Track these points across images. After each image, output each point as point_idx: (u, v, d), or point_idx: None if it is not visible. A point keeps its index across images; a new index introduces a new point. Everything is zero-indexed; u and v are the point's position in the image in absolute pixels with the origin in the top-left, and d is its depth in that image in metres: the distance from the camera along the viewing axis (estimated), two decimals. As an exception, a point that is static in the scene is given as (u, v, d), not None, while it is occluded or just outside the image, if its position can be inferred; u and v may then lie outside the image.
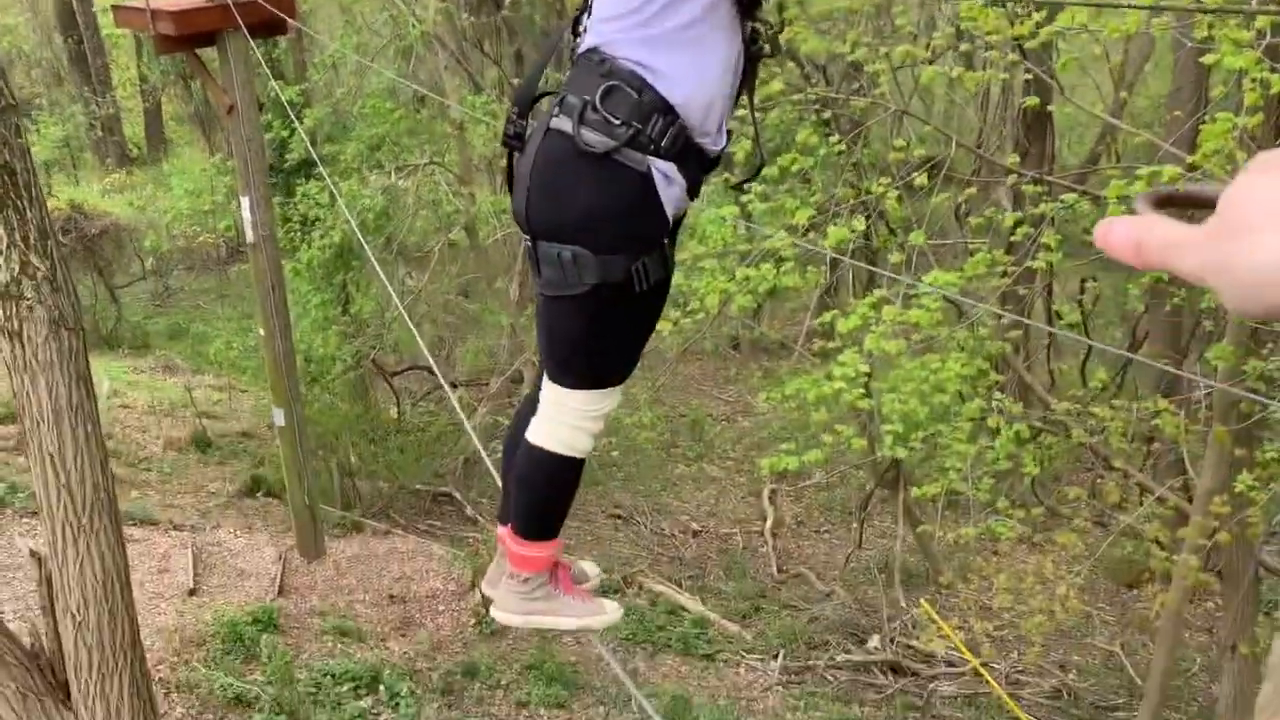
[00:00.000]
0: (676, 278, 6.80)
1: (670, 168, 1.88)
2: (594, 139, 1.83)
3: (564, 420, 2.13)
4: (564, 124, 1.86)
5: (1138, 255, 0.57)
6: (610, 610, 2.46)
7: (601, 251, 1.88)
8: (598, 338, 2.04)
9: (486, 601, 2.66)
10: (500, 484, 2.56)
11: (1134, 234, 0.57)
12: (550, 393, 2.14)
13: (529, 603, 2.37)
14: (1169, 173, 4.76)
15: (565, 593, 2.40)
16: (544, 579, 2.35)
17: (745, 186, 6.54)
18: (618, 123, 1.82)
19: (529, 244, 1.97)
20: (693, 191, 1.96)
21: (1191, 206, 0.58)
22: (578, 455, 2.17)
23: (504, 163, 2.14)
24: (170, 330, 17.22)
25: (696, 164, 1.92)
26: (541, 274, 1.95)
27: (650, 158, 1.85)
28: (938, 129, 7.52)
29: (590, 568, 2.74)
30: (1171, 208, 0.59)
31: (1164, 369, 9.42)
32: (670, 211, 1.93)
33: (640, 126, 1.82)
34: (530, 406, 2.31)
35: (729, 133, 1.99)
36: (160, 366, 14.90)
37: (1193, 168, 4.96)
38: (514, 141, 2.04)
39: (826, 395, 5.94)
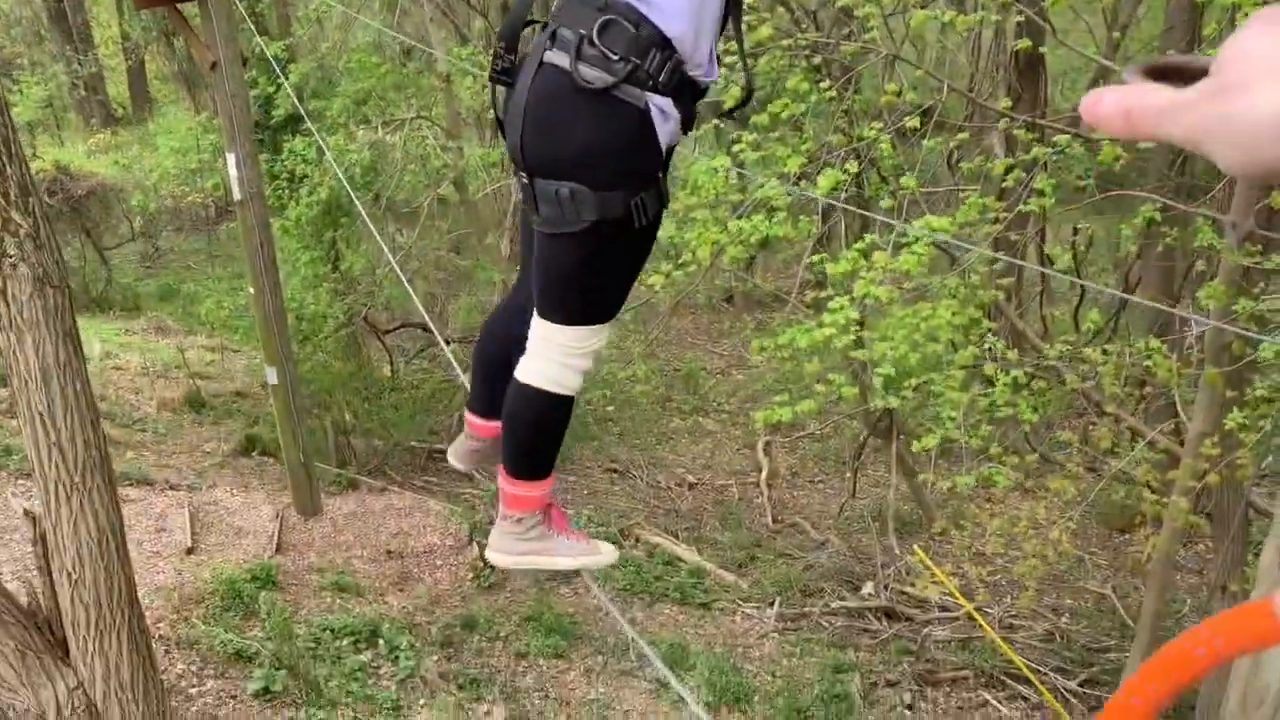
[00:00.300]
0: (668, 230, 6.77)
1: (667, 103, 1.87)
2: (592, 75, 1.81)
3: (553, 357, 2.15)
4: (560, 59, 1.84)
5: (1127, 124, 0.55)
6: (606, 551, 2.50)
7: (600, 188, 1.87)
8: (595, 274, 2.04)
9: (461, 473, 2.80)
10: (471, 377, 2.60)
11: (1124, 102, 0.55)
12: (540, 329, 2.15)
13: (523, 543, 2.38)
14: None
15: (559, 533, 2.42)
16: (537, 519, 2.37)
17: (739, 139, 6.51)
18: (616, 58, 1.79)
19: (525, 181, 1.96)
20: (686, 125, 1.95)
21: (1182, 78, 0.56)
22: (567, 393, 2.19)
23: (491, 105, 2.17)
24: (161, 291, 17.13)
25: (690, 97, 1.91)
26: (540, 212, 1.94)
27: (648, 94, 1.84)
28: (929, 74, 7.43)
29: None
30: (1162, 81, 0.57)
31: (1158, 311, 9.43)
32: (664, 145, 1.93)
33: (639, 62, 1.80)
34: (502, 312, 2.40)
35: (718, 59, 1.98)
36: (152, 328, 14.84)
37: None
38: (502, 77, 2.01)
39: (818, 342, 5.93)
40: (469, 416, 2.58)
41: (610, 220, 1.90)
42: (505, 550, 2.40)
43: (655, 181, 1.95)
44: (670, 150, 2.00)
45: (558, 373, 2.16)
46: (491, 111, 2.14)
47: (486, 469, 2.66)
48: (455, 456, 2.72)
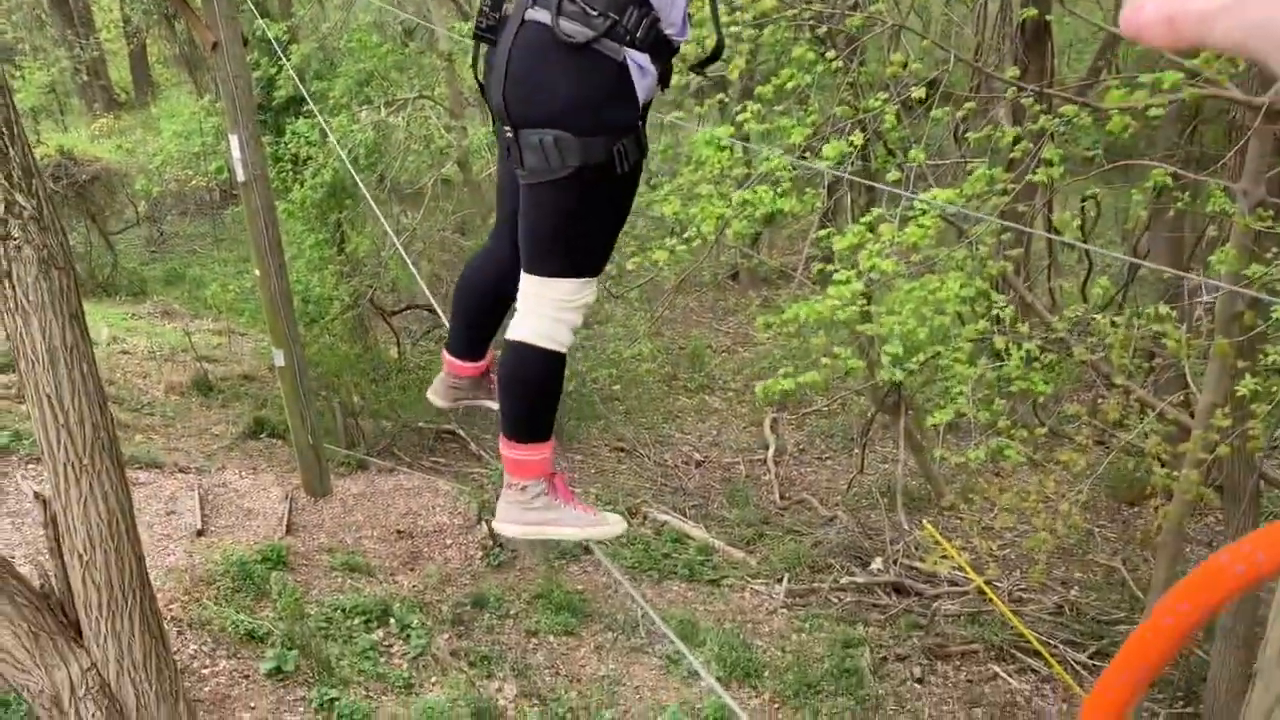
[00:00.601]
0: (673, 206, 6.73)
1: (644, 59, 1.95)
2: (573, 29, 1.88)
3: (544, 312, 2.18)
4: (541, 15, 1.92)
5: (1170, 31, 0.53)
6: (613, 522, 2.49)
7: (583, 134, 1.95)
8: (580, 221, 2.10)
9: (441, 409, 2.87)
10: (450, 321, 2.68)
11: (1166, 8, 0.53)
12: (530, 286, 2.19)
13: (530, 513, 2.37)
14: (1170, 78, 4.66)
15: (566, 502, 2.41)
16: (542, 487, 2.37)
17: (744, 109, 6.45)
18: (595, 14, 1.87)
19: (510, 135, 2.02)
20: (664, 81, 2.05)
21: None
22: (559, 349, 2.22)
23: (472, 65, 2.22)
24: (167, 276, 17.14)
25: (665, 54, 2.00)
26: (525, 163, 2.01)
27: (626, 49, 1.92)
28: (936, 43, 7.36)
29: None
30: None
31: (1166, 285, 9.38)
32: (642, 99, 2.00)
33: (616, 18, 1.88)
34: (480, 259, 2.50)
35: (689, 17, 2.08)
36: (158, 312, 14.86)
37: (1193, 74, 4.87)
38: (486, 35, 2.08)
39: (823, 316, 5.90)
40: (447, 358, 2.66)
41: (593, 166, 1.97)
42: (513, 520, 2.40)
43: (635, 130, 2.01)
44: (648, 105, 2.06)
45: (550, 328, 2.19)
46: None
47: (467, 414, 2.66)
48: (435, 394, 2.77)
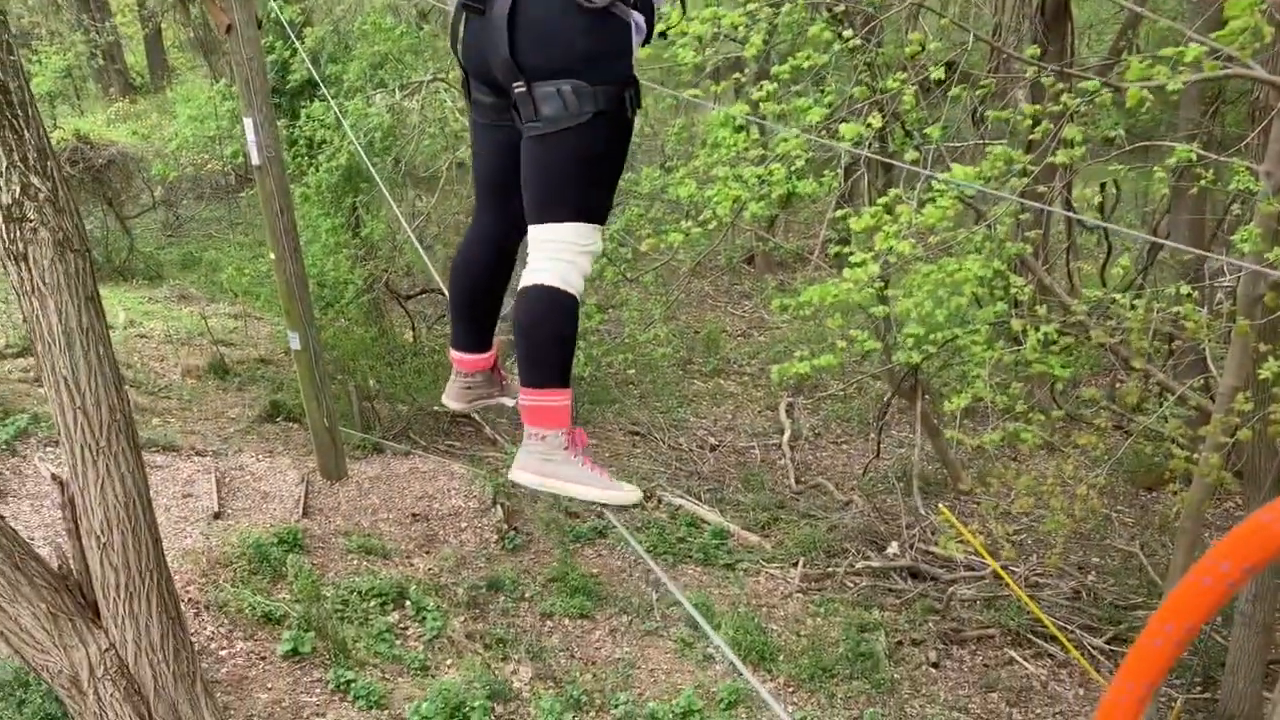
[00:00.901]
0: (689, 189, 6.69)
1: (641, 19, 2.20)
2: None
3: (558, 256, 2.28)
4: None
5: None
6: (629, 491, 2.48)
7: (597, 83, 2.15)
8: (594, 164, 2.26)
9: (449, 411, 3.00)
10: (450, 312, 2.76)
11: None
12: (541, 234, 2.30)
13: (548, 464, 2.39)
14: (1192, 52, 4.59)
15: (586, 464, 2.42)
16: (563, 440, 2.38)
17: (760, 88, 6.40)
18: None
19: (522, 89, 2.17)
20: (646, 38, 2.28)
21: None
22: (572, 291, 2.30)
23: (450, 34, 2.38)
24: (183, 260, 17.19)
25: (650, 15, 2.24)
26: (540, 114, 2.17)
27: (632, 11, 2.18)
28: (954, 23, 7.28)
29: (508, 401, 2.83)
30: None
31: (1186, 268, 9.29)
32: (634, 55, 2.26)
33: None
34: (469, 246, 2.58)
35: None
36: (175, 296, 14.91)
37: (1216, 52, 4.79)
38: (475, 5, 2.24)
39: (839, 297, 5.86)
40: (455, 355, 2.71)
41: (606, 112, 2.17)
42: (532, 470, 2.40)
43: (635, 81, 2.24)
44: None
45: (564, 271, 2.28)
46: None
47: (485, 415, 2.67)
48: (450, 398, 2.80)
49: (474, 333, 2.66)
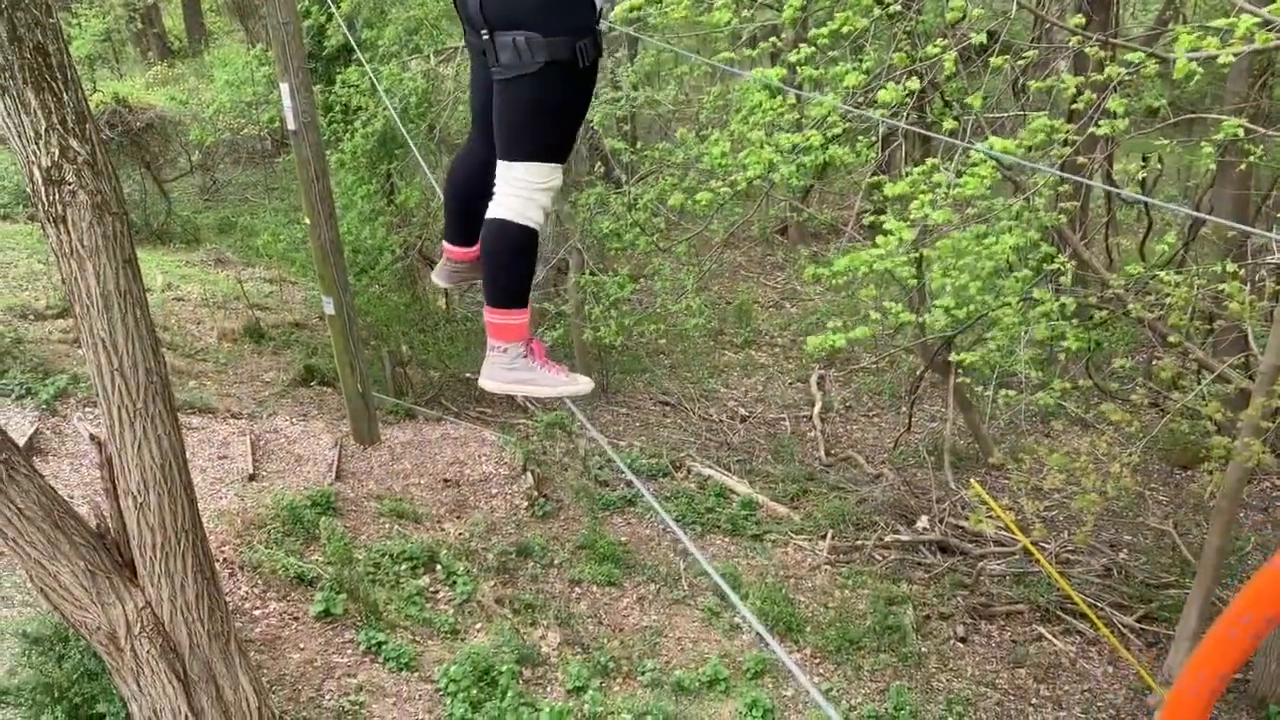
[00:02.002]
0: (722, 148, 6.64)
1: None
2: None
3: (519, 193, 2.54)
4: None
5: None
6: (583, 383, 2.87)
7: (550, 34, 2.34)
8: (548, 109, 2.46)
9: (438, 289, 3.34)
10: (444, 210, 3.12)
11: None
12: (505, 172, 2.56)
13: (509, 372, 2.77)
14: (1245, 23, 4.47)
15: (542, 366, 2.80)
16: (521, 350, 2.75)
17: (798, 50, 6.31)
18: None
19: (486, 37, 2.40)
20: None
21: None
22: (533, 225, 2.58)
23: None
24: (220, 224, 17.32)
25: None
26: (500, 60, 2.40)
27: None
28: (996, -10, 7.13)
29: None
30: None
31: (1229, 245, 9.11)
32: (599, 4, 2.43)
33: None
34: (462, 159, 2.89)
35: None
36: (211, 259, 15.04)
37: (1268, 23, 4.66)
38: None
39: (872, 264, 5.80)
40: (446, 246, 3.09)
41: (559, 62, 2.36)
42: (495, 378, 2.78)
43: (593, 32, 2.41)
44: (601, 9, 2.47)
45: (523, 206, 2.55)
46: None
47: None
48: (438, 276, 3.20)
49: (461, 231, 3.01)
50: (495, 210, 2.58)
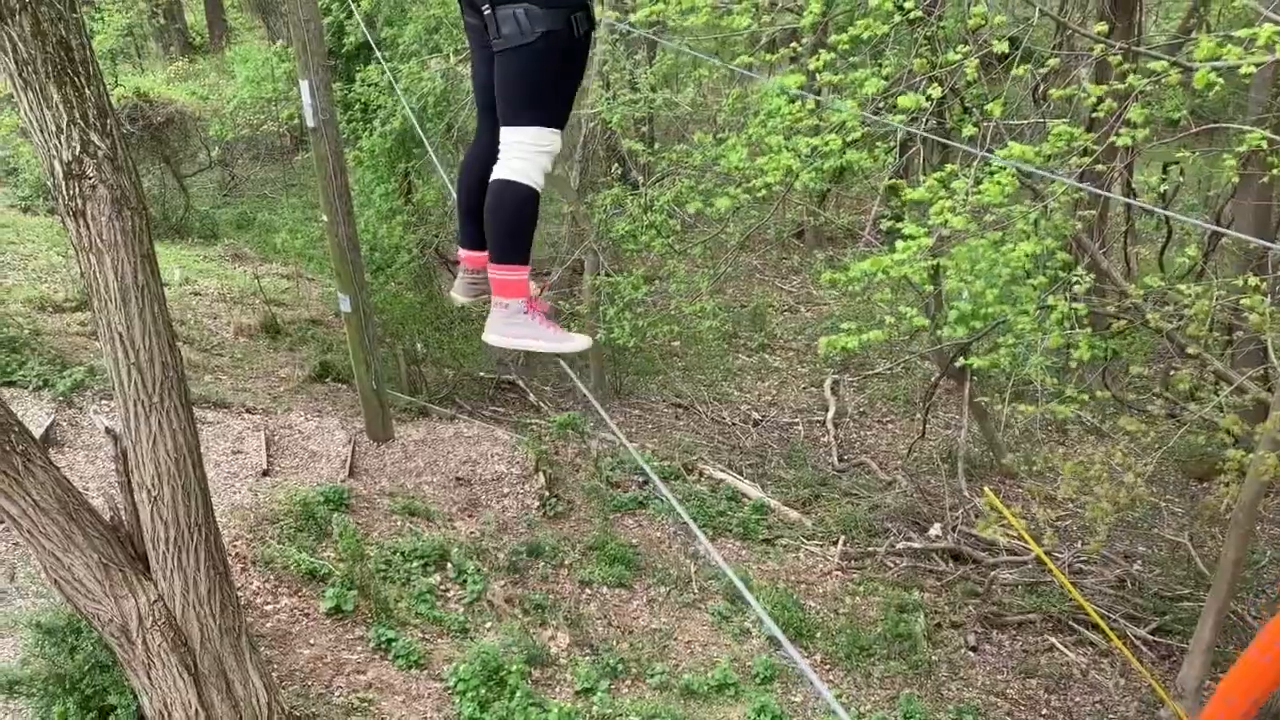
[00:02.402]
0: (739, 154, 6.63)
1: None
2: None
3: (521, 155, 2.74)
4: None
5: None
6: (579, 341, 3.03)
7: (547, 6, 2.56)
8: (546, 75, 2.66)
9: (453, 304, 3.68)
10: (458, 215, 3.24)
11: None
12: (508, 136, 2.75)
13: (512, 327, 2.93)
14: (1266, 33, 4.43)
15: (541, 324, 2.97)
16: (522, 306, 2.92)
17: (817, 56, 6.29)
18: None
19: (488, 12, 2.61)
20: None
21: None
22: (534, 186, 2.77)
23: None
24: (238, 219, 17.40)
25: None
26: (501, 33, 2.61)
27: None
28: (1018, -3, 7.10)
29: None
30: None
31: (1249, 256, 9.04)
32: None
33: None
34: (474, 166, 3.00)
35: None
36: (229, 255, 15.11)
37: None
38: None
39: (889, 269, 5.78)
40: (463, 254, 3.21)
41: (555, 32, 2.57)
42: (498, 332, 2.95)
43: (585, 5, 2.63)
44: None
45: (525, 168, 2.74)
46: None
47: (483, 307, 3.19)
48: (457, 292, 3.31)
49: (476, 233, 3.10)
50: (500, 172, 2.77)
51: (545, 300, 3.02)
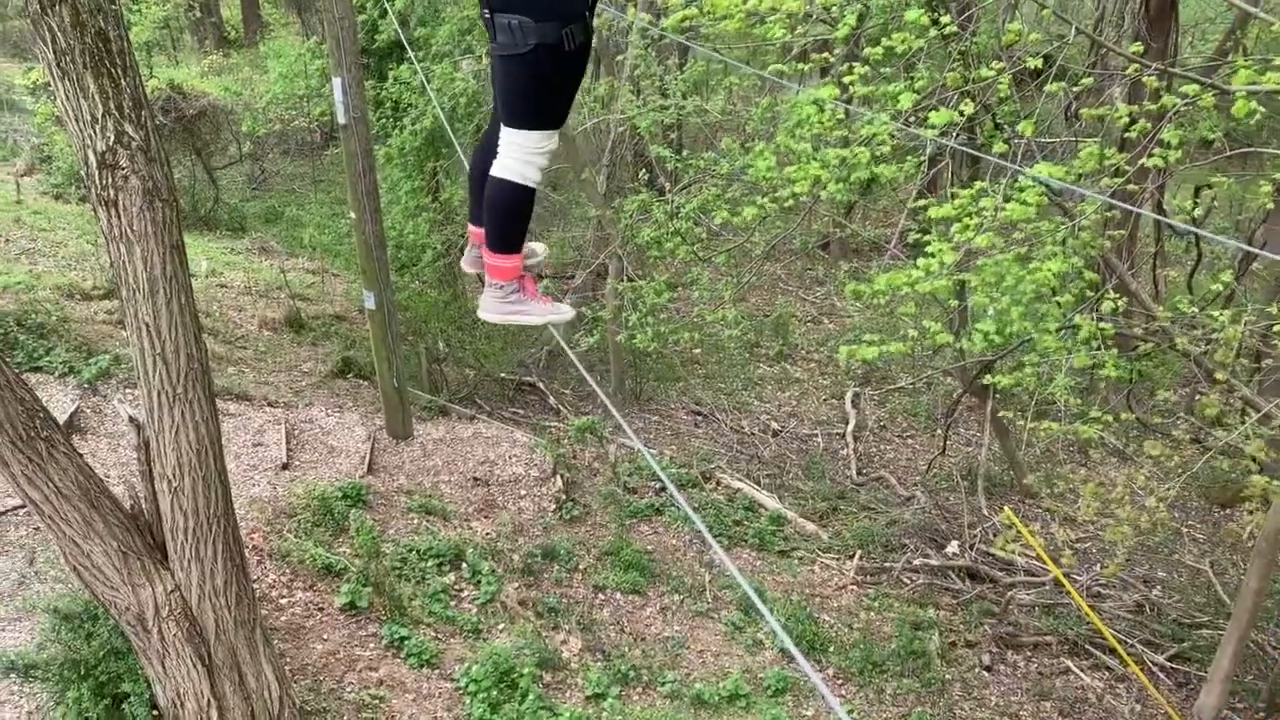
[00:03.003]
0: (768, 162, 6.64)
1: None
2: None
3: (518, 156, 2.87)
4: None
5: None
6: (565, 311, 3.31)
7: (539, 19, 2.61)
8: (540, 86, 2.76)
9: (464, 273, 3.86)
10: (469, 193, 3.44)
11: None
12: (506, 137, 2.88)
13: (504, 304, 3.18)
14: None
15: (531, 298, 3.21)
16: (515, 287, 3.16)
17: (849, 70, 6.27)
18: None
19: (488, 16, 2.69)
20: None
21: None
22: (528, 184, 2.92)
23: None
24: (266, 213, 17.52)
25: None
26: (497, 38, 2.69)
27: None
28: (1055, 14, 7.06)
29: (539, 246, 3.61)
30: None
31: (1280, 281, 8.94)
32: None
33: None
34: (487, 149, 3.11)
35: None
36: (256, 248, 15.21)
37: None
38: None
39: (914, 283, 5.74)
40: (472, 229, 3.41)
41: (547, 45, 2.63)
42: (492, 310, 3.21)
43: (582, 19, 2.68)
44: (594, 1, 2.76)
45: (521, 167, 2.88)
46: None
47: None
48: (466, 263, 3.57)
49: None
50: (497, 169, 2.92)
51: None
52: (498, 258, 3.09)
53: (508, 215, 3.00)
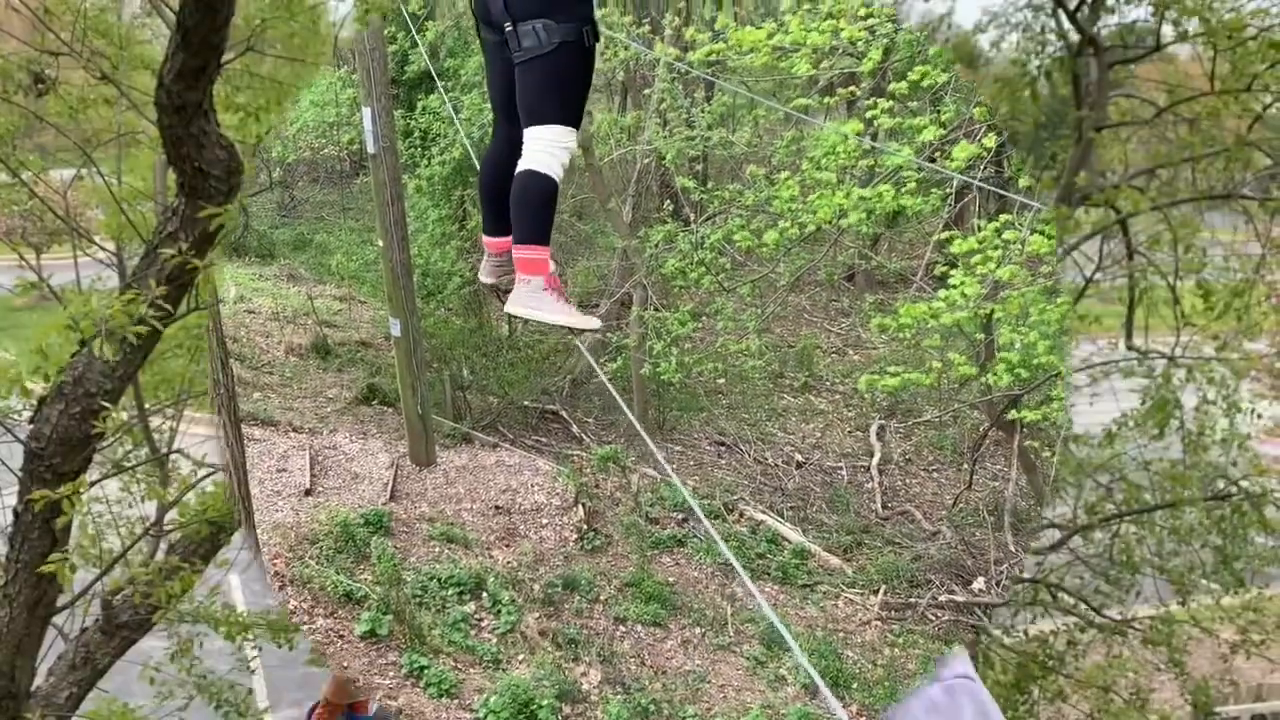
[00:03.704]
0: (791, 190, 6.71)
1: None
2: None
3: (544, 149, 3.16)
4: None
5: None
6: (591, 319, 3.50)
7: (561, 21, 3.04)
8: (564, 80, 3.12)
9: (485, 288, 3.88)
10: (480, 204, 3.73)
11: None
12: (532, 134, 3.17)
13: (532, 299, 3.31)
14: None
15: (561, 301, 3.35)
16: (543, 283, 3.30)
17: (873, 105, 6.28)
18: None
19: (510, 29, 3.08)
20: None
21: None
22: (552, 175, 3.18)
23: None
24: (295, 240, 17.65)
25: None
26: (523, 46, 3.08)
27: None
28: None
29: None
30: None
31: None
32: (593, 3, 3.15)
33: None
34: (494, 163, 3.40)
35: None
36: (284, 275, 15.33)
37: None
38: None
39: (938, 316, 5.72)
40: (486, 240, 3.65)
41: (570, 42, 3.05)
42: (521, 303, 3.35)
43: (592, 20, 3.12)
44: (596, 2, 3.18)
45: (548, 160, 3.16)
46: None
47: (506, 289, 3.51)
48: (484, 274, 3.76)
49: (499, 218, 3.46)
50: (525, 164, 3.18)
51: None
52: (527, 249, 3.26)
53: (536, 204, 3.20)
